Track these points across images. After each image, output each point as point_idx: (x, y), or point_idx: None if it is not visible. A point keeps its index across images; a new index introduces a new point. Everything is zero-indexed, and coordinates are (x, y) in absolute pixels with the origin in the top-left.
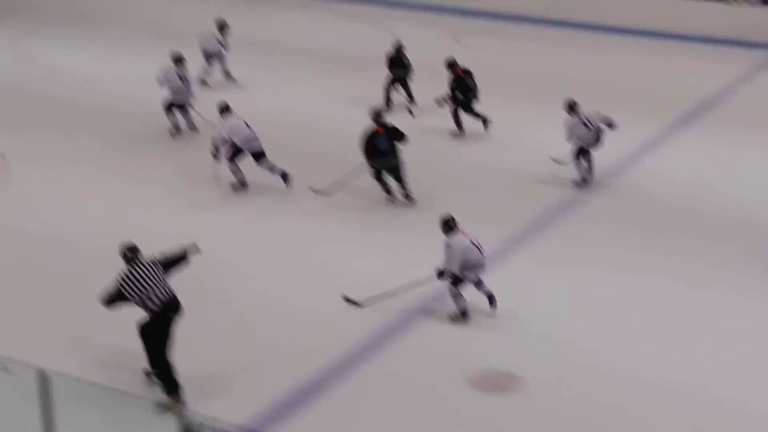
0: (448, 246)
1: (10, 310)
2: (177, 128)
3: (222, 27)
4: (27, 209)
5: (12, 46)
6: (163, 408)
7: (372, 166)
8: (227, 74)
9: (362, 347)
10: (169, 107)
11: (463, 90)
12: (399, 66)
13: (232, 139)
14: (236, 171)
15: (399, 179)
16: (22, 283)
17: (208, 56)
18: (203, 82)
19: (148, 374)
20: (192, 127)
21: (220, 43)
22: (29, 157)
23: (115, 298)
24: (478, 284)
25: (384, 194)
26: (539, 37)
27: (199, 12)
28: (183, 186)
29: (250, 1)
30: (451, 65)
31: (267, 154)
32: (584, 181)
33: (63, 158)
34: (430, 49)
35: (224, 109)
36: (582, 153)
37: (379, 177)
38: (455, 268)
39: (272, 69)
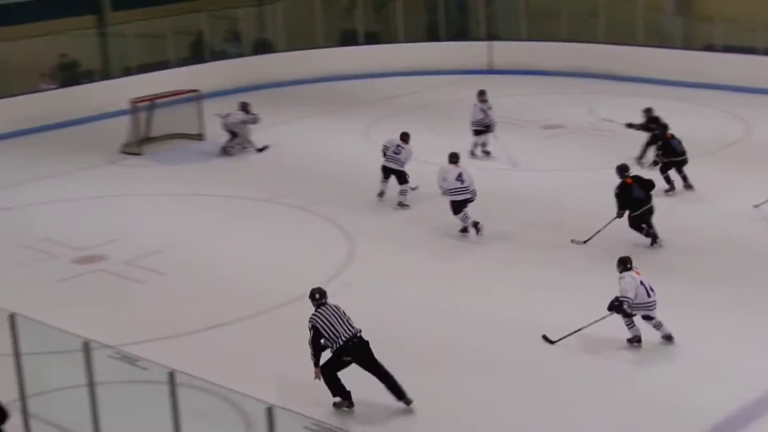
0: (621, 279)
1: None
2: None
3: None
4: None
5: (362, 133)
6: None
7: (633, 215)
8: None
9: None
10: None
11: (666, 151)
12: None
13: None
14: (464, 218)
15: (650, 223)
16: None
17: None
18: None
19: (336, 405)
20: None
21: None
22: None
23: (313, 339)
24: (649, 320)
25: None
26: None
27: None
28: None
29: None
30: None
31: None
32: None
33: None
34: None
35: (451, 158)
36: None
37: (637, 225)
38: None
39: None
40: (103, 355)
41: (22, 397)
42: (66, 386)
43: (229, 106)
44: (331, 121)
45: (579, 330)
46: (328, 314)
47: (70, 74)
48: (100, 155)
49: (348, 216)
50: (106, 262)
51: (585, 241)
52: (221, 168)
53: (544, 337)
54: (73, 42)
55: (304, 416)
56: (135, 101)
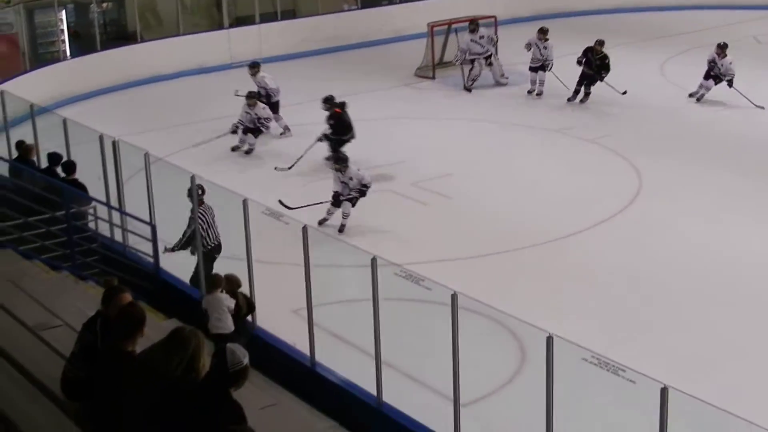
0: (348, 177)
1: None
2: None
3: None
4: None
5: (659, 66)
6: None
7: (345, 139)
8: None
9: None
10: None
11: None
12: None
13: None
14: None
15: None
16: None
17: None
18: None
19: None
20: None
21: None
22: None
23: (191, 236)
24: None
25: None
26: None
27: None
28: None
29: None
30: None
31: None
32: None
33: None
34: None
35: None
36: None
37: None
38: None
39: None
40: (389, 273)
41: (309, 306)
42: (350, 299)
43: (524, 32)
44: (628, 53)
45: (317, 203)
46: (208, 214)
47: None
48: (395, 77)
49: (637, 150)
50: (394, 183)
51: (290, 167)
52: (513, 96)
53: (280, 202)
54: None
55: (583, 348)
56: (433, 25)
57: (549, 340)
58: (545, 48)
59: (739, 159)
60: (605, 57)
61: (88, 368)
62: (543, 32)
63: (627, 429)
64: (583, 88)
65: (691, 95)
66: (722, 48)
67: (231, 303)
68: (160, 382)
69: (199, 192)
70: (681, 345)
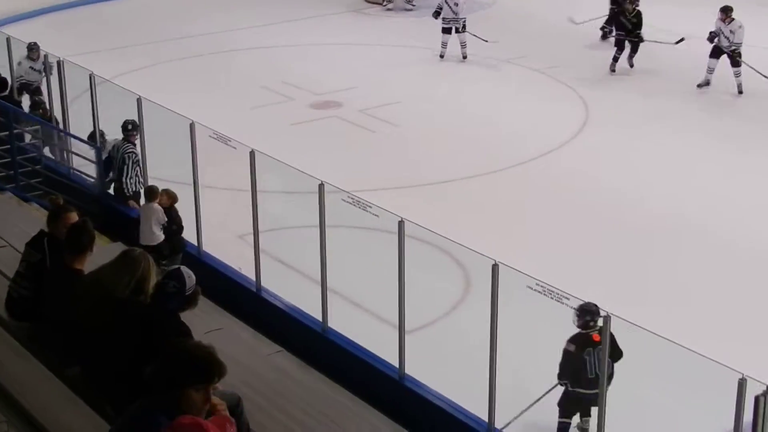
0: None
1: None
2: None
3: None
4: None
5: None
6: None
7: None
8: None
9: None
10: None
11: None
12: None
13: None
14: None
15: None
16: None
17: None
18: None
19: None
20: None
21: None
22: None
23: None
24: None
25: None
26: None
27: None
28: None
29: None
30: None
31: None
32: None
33: None
34: None
35: None
36: None
37: None
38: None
39: None
40: (337, 199)
41: (255, 232)
42: (297, 225)
43: None
44: None
45: None
46: (114, 149)
47: None
48: (345, 2)
49: (586, 83)
50: (342, 110)
51: None
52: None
53: None
54: None
55: (526, 275)
56: None
57: (494, 268)
58: (456, 5)
59: (690, 94)
60: (639, 14)
61: (34, 287)
62: None
63: None
64: (625, 54)
65: (699, 85)
66: (726, 12)
67: (164, 217)
68: (109, 302)
69: (129, 127)
70: (623, 275)
